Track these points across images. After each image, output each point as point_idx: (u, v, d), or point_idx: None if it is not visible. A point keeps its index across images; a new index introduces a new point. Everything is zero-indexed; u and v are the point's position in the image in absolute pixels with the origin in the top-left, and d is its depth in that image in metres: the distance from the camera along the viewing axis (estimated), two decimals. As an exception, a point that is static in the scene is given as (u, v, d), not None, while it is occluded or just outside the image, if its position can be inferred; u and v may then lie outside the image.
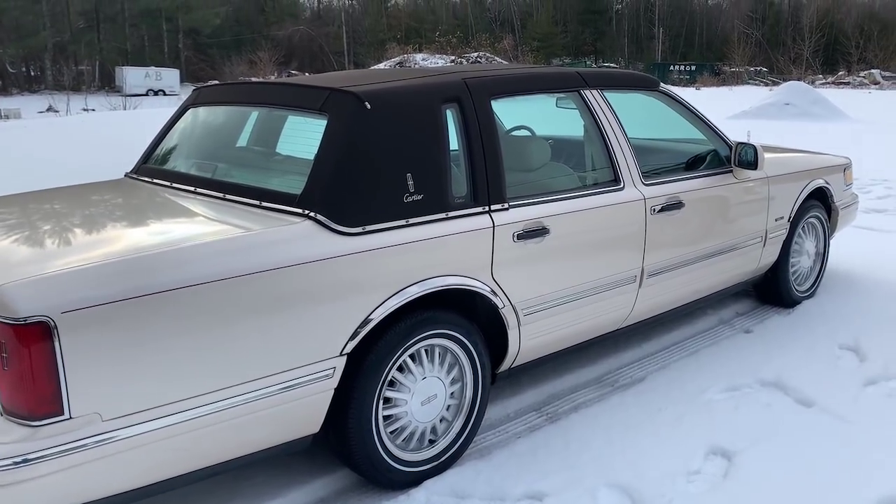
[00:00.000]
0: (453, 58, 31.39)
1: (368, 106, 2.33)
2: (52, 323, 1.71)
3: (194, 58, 54.82)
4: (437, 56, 31.90)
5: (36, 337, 1.70)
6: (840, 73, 34.53)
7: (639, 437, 2.69)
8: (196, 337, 1.90)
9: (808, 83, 19.98)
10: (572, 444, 2.66)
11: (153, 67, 46.60)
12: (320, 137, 2.35)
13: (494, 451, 2.64)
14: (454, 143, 2.52)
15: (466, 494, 2.38)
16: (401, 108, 2.41)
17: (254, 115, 3.11)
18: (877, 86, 29.86)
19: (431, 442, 2.50)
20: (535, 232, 2.61)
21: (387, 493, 2.38)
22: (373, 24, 60.75)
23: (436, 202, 2.39)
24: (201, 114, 3.05)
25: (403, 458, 2.40)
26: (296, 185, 2.33)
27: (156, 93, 43.42)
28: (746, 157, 3.41)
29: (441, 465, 2.49)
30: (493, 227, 2.50)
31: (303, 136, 2.90)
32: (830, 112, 15.41)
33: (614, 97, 3.10)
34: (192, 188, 2.59)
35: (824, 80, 31.78)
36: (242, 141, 3.02)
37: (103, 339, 1.77)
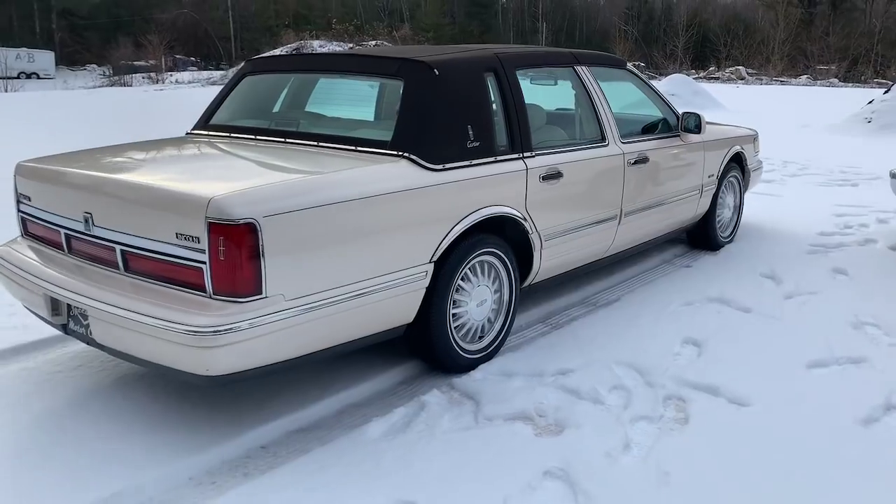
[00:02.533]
0: (351, 45, 31.62)
1: (437, 72, 2.99)
2: (258, 224, 2.28)
3: (69, 40, 51.95)
4: (335, 43, 32.03)
5: (246, 235, 2.26)
6: (711, 68, 37.43)
7: (629, 334, 3.49)
8: (347, 240, 2.51)
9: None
10: (581, 340, 3.43)
11: (25, 49, 43.91)
12: (399, 97, 2.98)
13: (523, 346, 3.37)
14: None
15: (513, 373, 3.09)
16: (458, 74, 3.08)
17: (292, 81, 3.67)
18: (743, 81, 32.74)
19: (480, 338, 3.19)
20: (554, 175, 3.35)
21: (452, 375, 3.06)
22: (261, 10, 59.67)
23: (488, 148, 3.08)
24: (265, 80, 3.59)
25: (465, 348, 3.09)
26: (379, 134, 2.96)
27: (28, 76, 41.03)
28: (691, 124, 4.29)
29: (488, 355, 3.19)
30: (527, 169, 3.22)
31: (348, 96, 3.55)
32: (710, 102, 17.08)
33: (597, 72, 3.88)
34: (280, 139, 3.15)
35: (697, 75, 34.32)
36: (299, 102, 3.59)
37: (288, 238, 2.35)
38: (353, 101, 3.83)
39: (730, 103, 17.68)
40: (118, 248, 2.55)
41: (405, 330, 2.90)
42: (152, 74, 33.75)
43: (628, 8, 64.40)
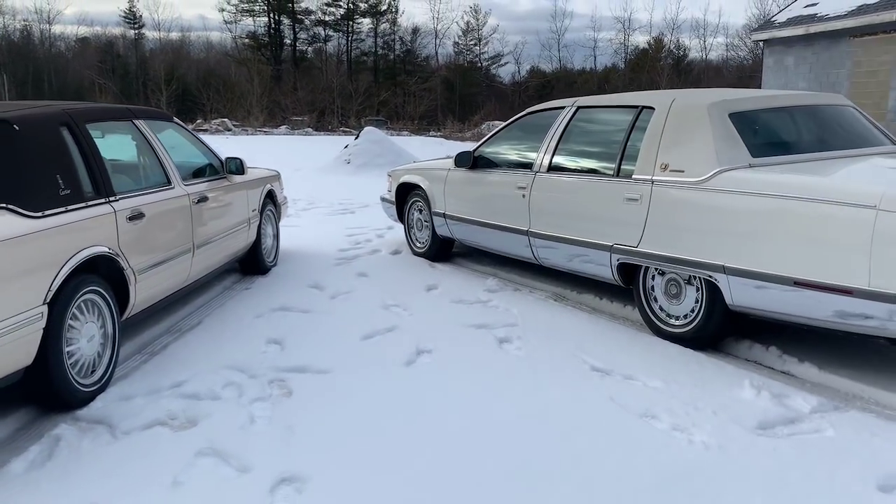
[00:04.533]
0: None
1: (17, 128, 3.17)
2: None
3: None
4: None
5: None
6: (199, 121, 38.69)
7: (220, 347, 4.07)
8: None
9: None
10: (181, 359, 3.89)
11: None
12: (-18, 152, 3.08)
13: (131, 374, 3.69)
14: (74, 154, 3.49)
15: (131, 395, 3.42)
16: (37, 128, 3.29)
17: None
18: (230, 132, 34.76)
19: (93, 371, 3.42)
20: (138, 216, 3.76)
21: (74, 410, 3.24)
22: None
23: (78, 195, 3.36)
24: None
25: (82, 382, 3.30)
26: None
27: None
28: (233, 167, 5.07)
29: (104, 385, 3.44)
30: (115, 212, 3.57)
31: None
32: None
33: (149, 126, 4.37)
34: None
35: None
36: None
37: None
38: None
39: (226, 152, 18.96)
40: None
41: (24, 374, 3.01)
42: None
43: (101, 62, 62.00)
